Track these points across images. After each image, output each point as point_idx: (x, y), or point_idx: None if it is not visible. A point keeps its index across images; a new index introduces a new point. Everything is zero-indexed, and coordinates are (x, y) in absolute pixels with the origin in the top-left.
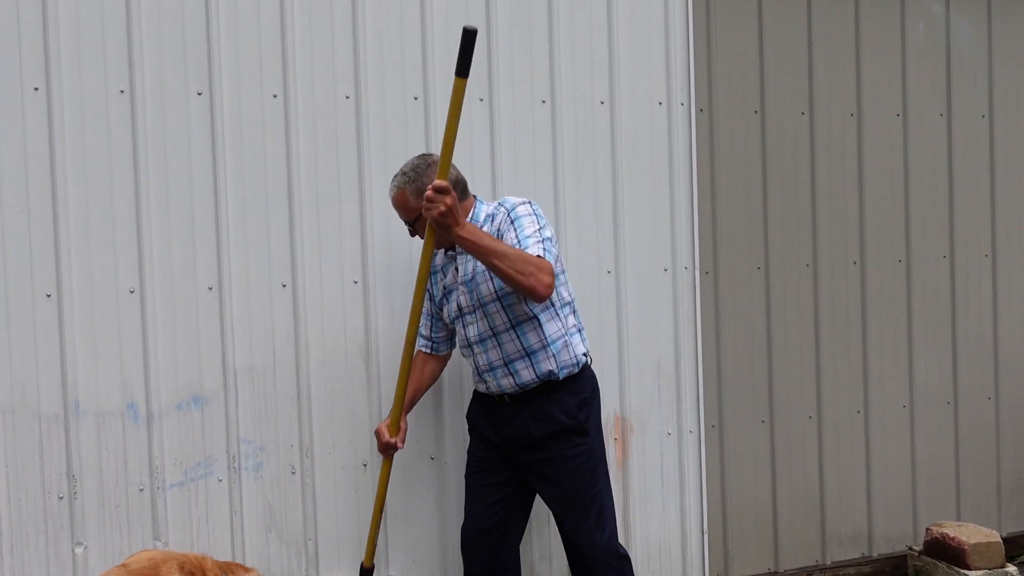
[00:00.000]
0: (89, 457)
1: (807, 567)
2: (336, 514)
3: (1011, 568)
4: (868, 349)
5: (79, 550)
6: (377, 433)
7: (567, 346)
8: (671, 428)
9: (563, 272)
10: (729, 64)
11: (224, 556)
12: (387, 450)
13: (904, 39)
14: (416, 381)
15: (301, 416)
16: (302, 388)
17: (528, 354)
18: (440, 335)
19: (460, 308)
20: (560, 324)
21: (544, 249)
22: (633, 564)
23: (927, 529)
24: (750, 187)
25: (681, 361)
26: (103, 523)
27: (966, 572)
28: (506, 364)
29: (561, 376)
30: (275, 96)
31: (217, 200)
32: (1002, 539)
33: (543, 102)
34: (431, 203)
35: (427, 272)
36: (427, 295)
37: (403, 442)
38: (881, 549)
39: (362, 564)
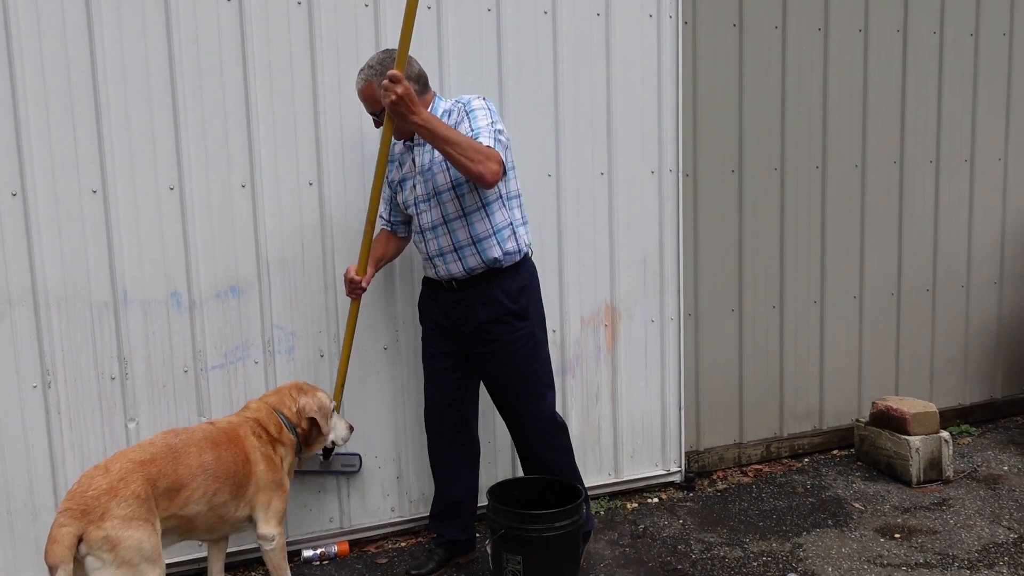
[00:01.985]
0: (137, 341)
1: (767, 438)
2: (356, 394)
3: (944, 433)
4: (826, 245)
5: (131, 425)
6: (345, 273)
7: (513, 236)
8: (654, 316)
9: (513, 168)
10: None
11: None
12: (354, 290)
13: None
14: (381, 250)
15: (327, 304)
16: (328, 279)
17: (475, 242)
18: (397, 219)
19: (416, 197)
20: (506, 215)
21: (495, 140)
22: (619, 436)
23: (873, 403)
24: (727, 96)
25: (664, 256)
26: (152, 401)
27: (907, 437)
28: (455, 250)
29: (505, 263)
30: (299, 3)
31: (248, 104)
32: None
33: (545, 13)
34: (385, 91)
35: (385, 158)
36: (386, 181)
37: (367, 284)
38: (830, 423)
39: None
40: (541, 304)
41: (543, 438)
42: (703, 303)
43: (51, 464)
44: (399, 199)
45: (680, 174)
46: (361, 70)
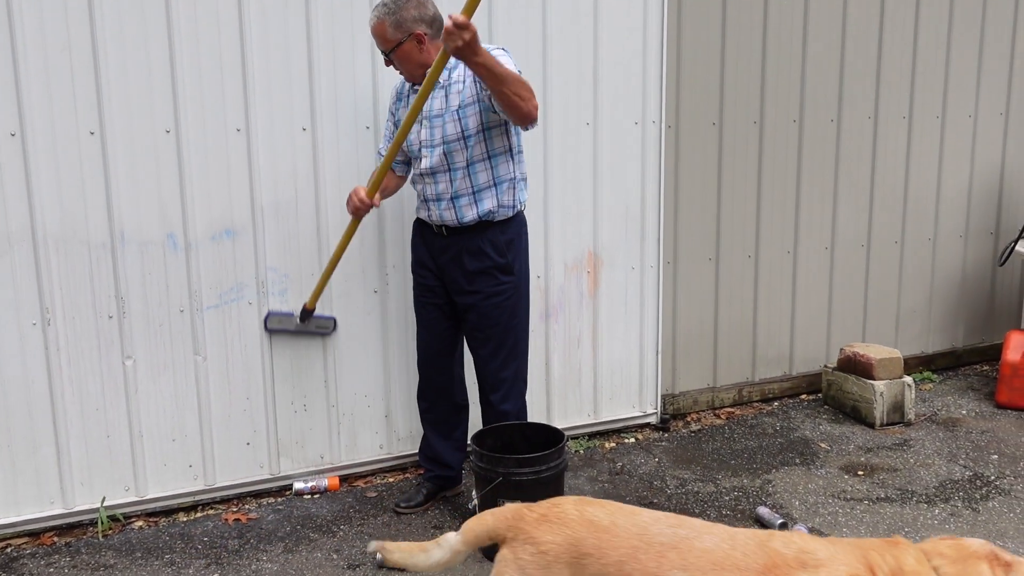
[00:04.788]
0: (134, 281)
1: (739, 383)
2: (348, 335)
3: (907, 379)
4: (800, 198)
5: (128, 363)
6: (353, 192)
7: (511, 189)
8: (635, 263)
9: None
10: None
11: (255, 367)
12: (360, 210)
13: None
14: (386, 184)
15: (320, 247)
16: (321, 222)
17: (475, 191)
18: (398, 158)
19: (421, 141)
20: (510, 168)
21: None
22: (599, 379)
23: (840, 349)
24: (710, 50)
25: (646, 205)
26: (148, 340)
27: (871, 382)
28: (452, 199)
29: (498, 216)
30: None
31: (243, 49)
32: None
33: None
34: (451, 36)
35: (423, 102)
36: (391, 117)
37: (379, 203)
38: (800, 368)
39: (304, 305)
40: (527, 259)
41: (508, 393)
42: (682, 251)
43: (51, 399)
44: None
45: (663, 125)
46: (375, 7)
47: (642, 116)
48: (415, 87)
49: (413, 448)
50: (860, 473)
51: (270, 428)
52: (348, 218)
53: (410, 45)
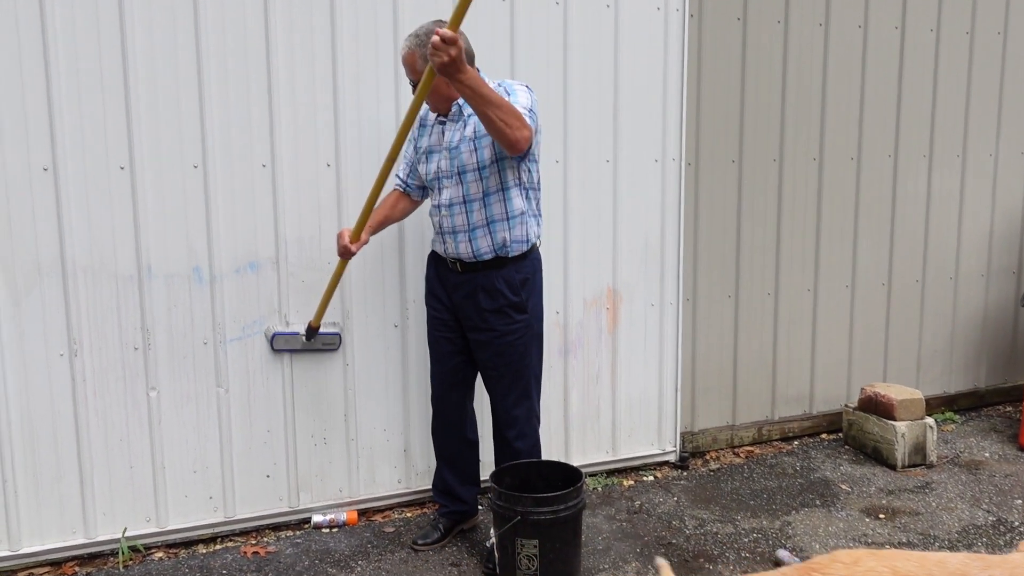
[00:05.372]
0: (160, 313)
1: (759, 421)
2: (368, 369)
3: (929, 420)
4: (820, 236)
5: (152, 394)
6: (339, 235)
7: (523, 224)
8: (654, 300)
9: (536, 161)
10: None
11: (276, 400)
12: (344, 254)
13: None
14: (387, 211)
15: (342, 282)
16: None
17: (489, 223)
18: (414, 183)
19: (439, 171)
20: (523, 203)
21: (529, 117)
22: (617, 415)
23: (861, 389)
24: (730, 89)
25: (665, 242)
26: (173, 371)
27: (893, 423)
28: (468, 231)
29: (511, 251)
30: None
31: (270, 89)
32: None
33: (556, 3)
34: (437, 51)
35: (412, 120)
36: (412, 143)
37: (358, 250)
38: (820, 407)
39: (309, 323)
40: (541, 298)
41: (523, 431)
42: (701, 288)
43: (76, 429)
44: (422, 168)
45: (683, 163)
46: (407, 37)
47: (662, 154)
48: (440, 118)
49: (431, 483)
50: (881, 516)
51: (290, 461)
52: (370, 252)
53: (437, 78)
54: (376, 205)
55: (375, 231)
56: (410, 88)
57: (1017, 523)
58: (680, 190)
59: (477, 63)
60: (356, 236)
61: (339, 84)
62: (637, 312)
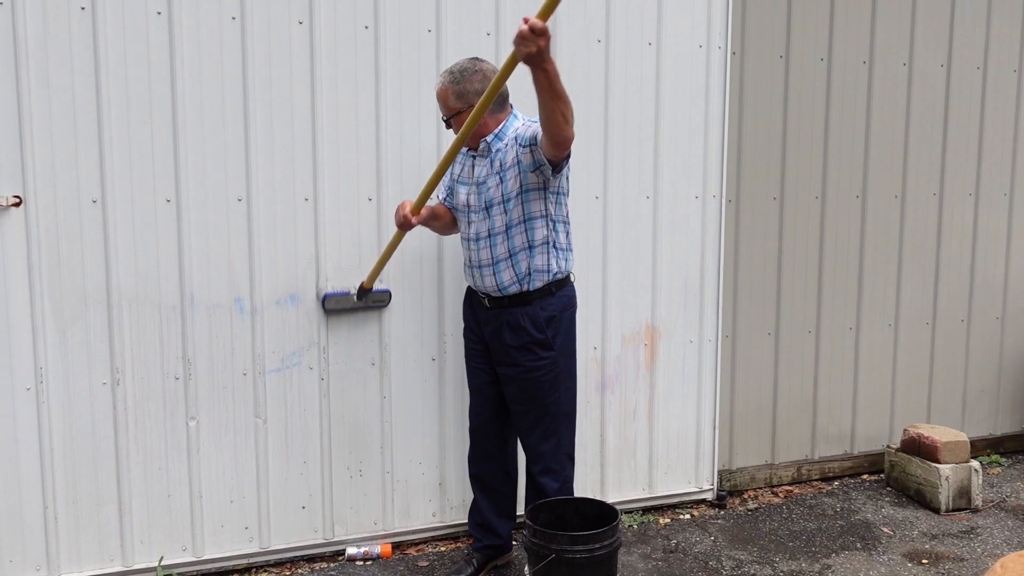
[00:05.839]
0: (201, 344)
1: (798, 460)
2: (404, 402)
3: (974, 463)
4: (863, 274)
5: (192, 423)
6: (400, 206)
7: (544, 253)
8: (693, 337)
9: (566, 194)
10: (759, 8)
11: (313, 431)
12: (404, 224)
13: None
14: (440, 210)
15: (381, 316)
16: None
17: (511, 255)
18: (450, 203)
19: (467, 205)
20: (546, 234)
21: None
22: (654, 452)
23: (904, 430)
24: (772, 126)
25: (705, 278)
26: (212, 401)
27: (937, 465)
28: (493, 264)
29: (534, 281)
30: (366, 27)
31: (313, 122)
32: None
33: (599, 41)
34: (525, 40)
35: (454, 154)
36: (450, 170)
37: (418, 223)
38: (861, 447)
39: (362, 284)
40: (573, 335)
41: (548, 466)
42: (741, 325)
43: (116, 458)
44: (453, 200)
45: (723, 200)
46: (443, 72)
47: (703, 190)
48: (470, 151)
49: (465, 517)
50: (924, 562)
51: (325, 493)
52: (409, 286)
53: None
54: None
55: (428, 221)
56: (443, 124)
57: None
58: (720, 227)
59: (512, 99)
60: (418, 209)
61: (381, 122)
62: (676, 349)
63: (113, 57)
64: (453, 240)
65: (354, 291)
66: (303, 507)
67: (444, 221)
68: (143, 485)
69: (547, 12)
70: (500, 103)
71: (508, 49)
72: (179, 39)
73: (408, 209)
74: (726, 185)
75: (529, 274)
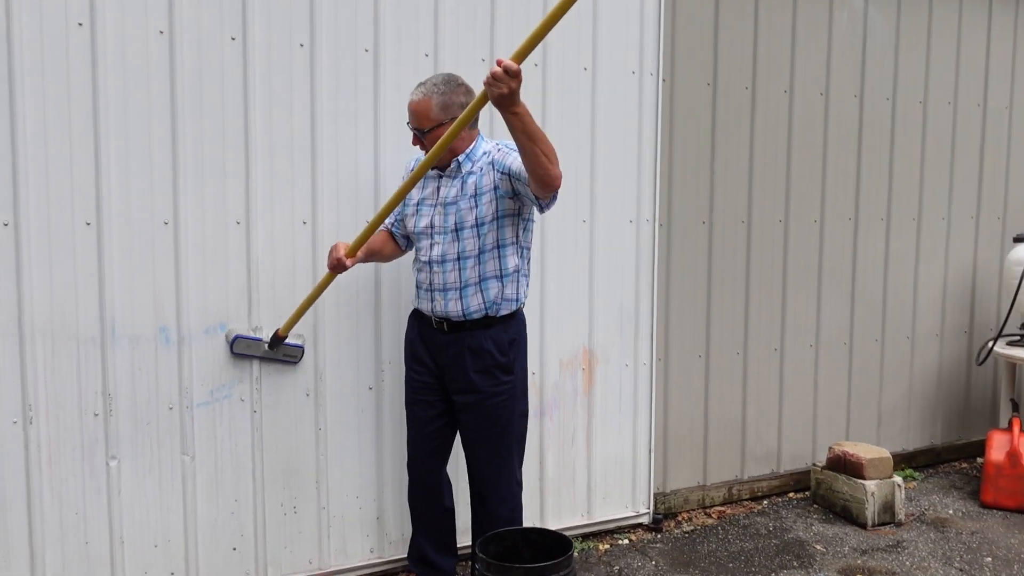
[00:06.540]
0: (123, 377)
1: (728, 481)
2: (341, 433)
3: (897, 478)
4: (787, 296)
5: (112, 463)
6: (334, 248)
7: (515, 283)
8: (629, 360)
9: (533, 221)
10: (688, 37)
11: (244, 467)
12: (337, 267)
13: (831, 28)
14: (379, 245)
15: (316, 344)
16: (319, 321)
17: (481, 280)
18: (399, 231)
19: (431, 226)
20: (517, 262)
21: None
22: (592, 477)
23: (829, 448)
24: (700, 151)
25: (640, 301)
26: (135, 439)
27: (863, 482)
28: (460, 288)
29: (501, 310)
30: (301, 45)
31: (247, 141)
32: None
33: (535, 65)
34: (498, 81)
35: (417, 180)
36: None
37: (352, 266)
38: (787, 466)
39: (277, 331)
40: (526, 359)
41: (503, 496)
42: (672, 348)
43: (27, 502)
44: (410, 222)
45: (656, 224)
46: (422, 84)
47: (636, 214)
48: (438, 171)
49: (404, 551)
50: None
51: (258, 532)
52: (345, 313)
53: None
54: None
55: (364, 259)
56: (413, 136)
57: None
58: (654, 250)
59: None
60: (354, 251)
61: (317, 142)
62: (612, 372)
63: (29, 67)
64: (391, 265)
65: (267, 339)
66: (234, 548)
67: (384, 254)
68: (58, 532)
69: (523, 55)
70: (474, 120)
71: (446, 69)
72: (102, 52)
73: (342, 252)
74: (658, 209)
75: (498, 303)
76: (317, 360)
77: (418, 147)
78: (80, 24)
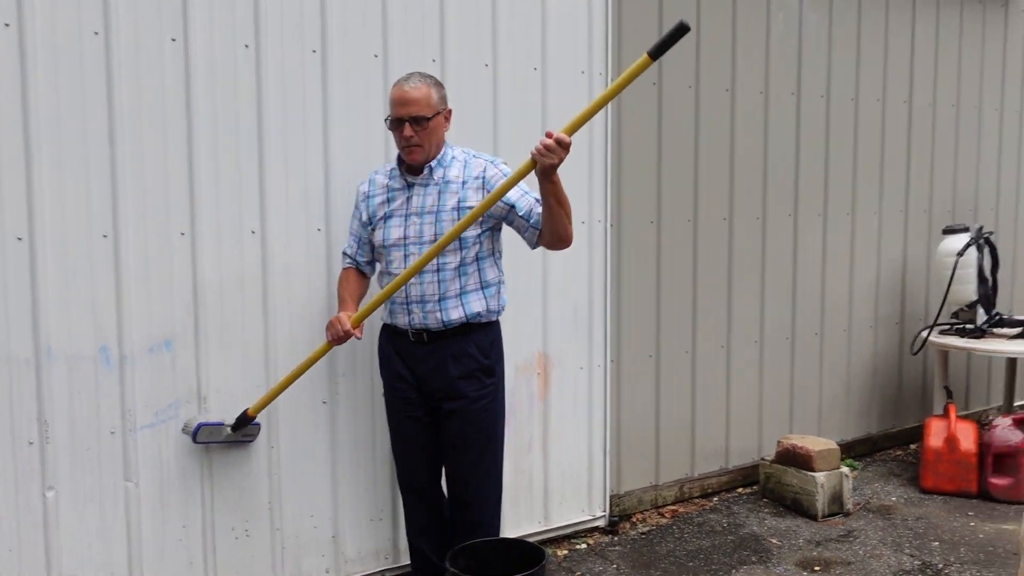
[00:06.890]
0: (60, 401)
1: (680, 479)
2: (294, 451)
3: (844, 468)
4: (732, 293)
5: (50, 494)
6: (337, 320)
7: (497, 294)
8: (583, 363)
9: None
10: (633, 37)
11: (193, 491)
12: (342, 340)
13: (769, 27)
14: (359, 291)
15: (268, 361)
16: (269, 334)
17: (462, 293)
18: (364, 259)
19: (405, 238)
20: (496, 273)
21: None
22: (549, 483)
23: (778, 442)
24: (647, 151)
25: (593, 303)
26: (74, 467)
27: (812, 474)
28: (440, 300)
29: (483, 320)
30: (247, 46)
31: (191, 148)
32: None
33: (486, 65)
34: (551, 152)
35: (488, 207)
36: (356, 218)
37: (360, 335)
38: (735, 462)
39: (246, 411)
40: (504, 362)
41: (487, 502)
42: (624, 349)
43: None
44: (377, 236)
45: (608, 224)
46: (410, 76)
47: (588, 215)
48: (409, 178)
49: (363, 569)
50: (817, 568)
51: (208, 559)
52: (297, 330)
53: (442, 120)
54: (341, 291)
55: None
56: (387, 123)
57: (940, 565)
58: (606, 251)
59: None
60: (359, 321)
61: (265, 146)
62: (568, 376)
63: None
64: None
65: (229, 423)
66: None
67: (363, 292)
68: None
69: (574, 129)
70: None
71: (398, 75)
72: (31, 54)
73: (348, 324)
74: (610, 210)
75: (479, 315)
76: (268, 374)
77: (403, 139)
78: (7, 25)
